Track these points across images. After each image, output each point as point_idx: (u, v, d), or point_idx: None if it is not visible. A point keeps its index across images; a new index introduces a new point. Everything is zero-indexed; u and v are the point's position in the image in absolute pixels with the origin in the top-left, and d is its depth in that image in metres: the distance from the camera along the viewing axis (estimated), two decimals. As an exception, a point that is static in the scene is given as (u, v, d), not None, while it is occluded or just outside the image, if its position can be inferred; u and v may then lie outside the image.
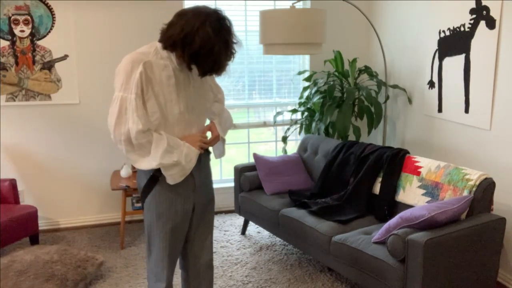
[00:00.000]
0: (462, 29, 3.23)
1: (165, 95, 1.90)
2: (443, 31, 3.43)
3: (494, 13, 2.94)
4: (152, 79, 1.88)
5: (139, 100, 1.85)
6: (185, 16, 1.83)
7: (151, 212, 2.04)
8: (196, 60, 1.84)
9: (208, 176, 2.20)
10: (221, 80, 4.30)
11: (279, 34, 3.32)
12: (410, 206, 2.94)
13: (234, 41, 1.89)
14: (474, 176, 2.66)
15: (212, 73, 1.90)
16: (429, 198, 2.84)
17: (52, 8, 3.69)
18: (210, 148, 2.20)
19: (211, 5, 4.34)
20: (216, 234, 3.88)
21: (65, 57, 3.79)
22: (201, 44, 1.79)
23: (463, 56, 3.24)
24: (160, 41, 1.91)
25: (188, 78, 1.99)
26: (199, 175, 2.10)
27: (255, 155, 3.69)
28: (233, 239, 3.77)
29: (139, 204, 3.68)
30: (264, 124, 4.51)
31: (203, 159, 2.13)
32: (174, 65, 1.92)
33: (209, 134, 2.15)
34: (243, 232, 3.88)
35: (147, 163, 1.90)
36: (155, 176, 1.99)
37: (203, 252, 2.25)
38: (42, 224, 3.94)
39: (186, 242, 2.21)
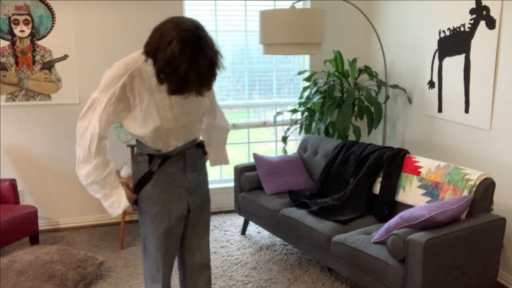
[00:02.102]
0: (462, 29, 3.23)
1: (156, 100, 1.87)
2: (443, 31, 3.43)
3: (494, 13, 2.94)
4: (141, 86, 1.86)
5: (110, 105, 1.85)
6: (160, 29, 1.74)
7: (145, 213, 2.04)
8: (163, 77, 1.73)
9: (203, 177, 2.19)
10: (221, 80, 4.30)
11: (279, 34, 3.32)
12: (410, 206, 2.94)
13: (216, 61, 1.76)
14: (474, 176, 2.66)
15: (180, 93, 1.76)
16: (429, 198, 2.84)
17: (52, 8, 3.69)
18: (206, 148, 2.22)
19: (211, 5, 4.33)
20: (216, 234, 3.88)
21: (65, 57, 3.79)
22: (165, 63, 1.68)
23: (463, 56, 3.24)
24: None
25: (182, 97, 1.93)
26: (193, 176, 2.09)
27: (255, 155, 3.69)
28: (233, 239, 3.77)
29: (139, 204, 3.68)
30: (264, 124, 4.51)
31: (198, 160, 2.12)
32: None
33: None
34: (243, 232, 3.88)
35: (80, 170, 1.93)
36: (148, 177, 1.99)
37: (199, 252, 2.24)
38: (42, 224, 3.94)
39: (183, 243, 2.20)
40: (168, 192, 2.01)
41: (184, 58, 1.66)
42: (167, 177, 2.00)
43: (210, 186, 4.56)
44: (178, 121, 1.94)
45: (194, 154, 2.08)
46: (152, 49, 1.73)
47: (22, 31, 3.65)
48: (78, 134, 1.92)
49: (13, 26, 3.62)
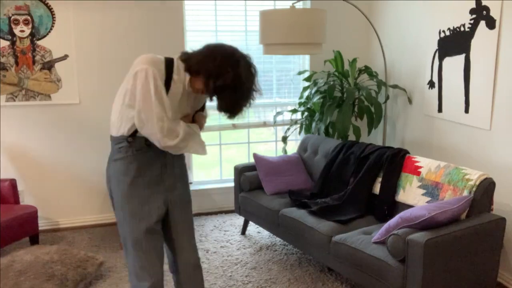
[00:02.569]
0: (462, 29, 3.23)
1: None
2: (443, 31, 3.43)
3: (494, 13, 2.94)
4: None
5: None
6: (220, 49, 1.90)
7: (123, 210, 2.03)
8: (220, 94, 1.89)
9: (182, 176, 2.19)
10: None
11: (279, 34, 3.32)
12: (410, 206, 2.94)
13: (255, 89, 1.96)
14: (474, 176, 2.66)
15: (229, 112, 1.96)
16: (429, 198, 2.84)
17: (52, 8, 3.69)
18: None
19: (211, 5, 4.34)
20: (216, 234, 3.88)
21: (65, 57, 3.79)
22: (233, 80, 1.85)
23: (463, 56, 3.24)
24: (185, 62, 1.94)
25: (188, 101, 2.05)
26: (171, 173, 2.10)
27: (255, 155, 3.69)
28: (233, 239, 3.77)
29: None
30: (264, 124, 4.51)
31: (175, 158, 2.12)
32: (184, 88, 1.98)
33: None
34: (243, 232, 3.88)
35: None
36: (120, 165, 2.00)
37: (189, 253, 2.25)
38: (42, 224, 3.94)
39: (170, 246, 2.21)
40: (145, 189, 2.03)
41: (247, 81, 1.88)
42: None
43: (210, 186, 4.57)
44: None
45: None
46: (216, 66, 1.85)
47: (22, 31, 3.65)
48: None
49: (13, 26, 3.62)
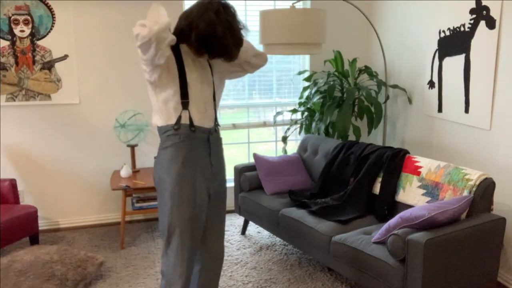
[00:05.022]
0: (462, 29, 3.23)
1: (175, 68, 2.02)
2: (443, 31, 3.43)
3: (494, 13, 2.94)
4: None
5: None
6: (189, 9, 2.00)
7: (172, 198, 2.02)
8: (204, 45, 1.95)
9: (222, 167, 2.22)
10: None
11: (279, 34, 3.32)
12: (410, 206, 2.94)
13: (240, 26, 1.99)
14: (474, 176, 2.66)
15: (222, 57, 1.99)
16: (429, 198, 2.84)
17: (52, 8, 3.69)
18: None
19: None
20: (216, 234, 3.88)
21: (65, 57, 3.79)
22: (205, 27, 1.90)
23: (463, 56, 3.24)
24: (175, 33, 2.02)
25: (206, 75, 2.12)
26: (214, 163, 2.13)
27: (255, 155, 3.69)
28: (233, 239, 3.77)
29: (139, 204, 3.68)
30: (264, 124, 4.51)
31: (218, 149, 2.17)
32: (191, 55, 2.07)
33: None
34: (243, 232, 3.88)
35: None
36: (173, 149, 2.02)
37: (215, 245, 2.26)
38: (42, 224, 3.94)
39: (203, 234, 2.19)
40: (193, 177, 2.04)
41: (220, 21, 1.91)
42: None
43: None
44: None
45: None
46: (187, 24, 1.96)
47: (22, 31, 3.65)
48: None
49: (13, 26, 3.62)
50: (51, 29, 3.71)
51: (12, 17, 3.61)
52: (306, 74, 4.44)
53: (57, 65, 3.78)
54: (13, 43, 3.65)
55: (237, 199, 3.76)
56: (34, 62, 3.71)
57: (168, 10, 3.94)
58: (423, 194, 2.88)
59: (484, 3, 3.01)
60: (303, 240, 3.05)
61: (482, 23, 3.04)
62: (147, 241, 3.74)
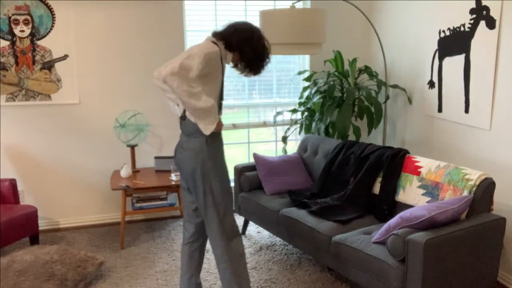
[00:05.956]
0: (462, 29, 3.23)
1: (217, 79, 2.38)
2: (443, 31, 3.43)
3: (494, 13, 2.94)
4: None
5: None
6: (249, 25, 2.43)
7: (228, 182, 2.49)
8: (252, 62, 2.44)
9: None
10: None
11: (279, 34, 3.32)
12: (410, 206, 2.94)
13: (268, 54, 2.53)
14: (474, 176, 2.66)
15: (252, 71, 2.48)
16: (429, 198, 2.84)
17: (52, 8, 3.69)
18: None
19: (211, 5, 4.33)
20: (216, 234, 3.88)
21: (65, 57, 3.79)
22: (262, 48, 2.43)
23: (463, 56, 3.24)
24: (223, 40, 2.39)
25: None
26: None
27: (255, 155, 3.69)
28: (233, 239, 3.77)
29: (139, 204, 3.68)
30: (264, 124, 4.51)
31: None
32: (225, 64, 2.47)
33: None
34: (243, 232, 3.87)
35: (198, 96, 2.27)
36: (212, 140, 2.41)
37: None
38: (42, 224, 3.94)
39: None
40: (223, 159, 2.53)
41: (267, 52, 2.48)
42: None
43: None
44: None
45: None
46: (239, 43, 2.39)
47: (22, 31, 3.65)
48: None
49: (13, 26, 3.62)
50: (51, 29, 3.71)
51: (12, 17, 3.61)
52: (306, 74, 4.44)
53: (57, 65, 3.78)
54: (13, 43, 3.65)
55: (237, 199, 3.76)
56: (34, 62, 3.71)
57: (168, 10, 3.96)
58: (423, 194, 2.88)
59: (484, 3, 3.01)
60: (303, 240, 3.05)
61: (482, 23, 3.04)
62: (147, 241, 3.74)
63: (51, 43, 3.73)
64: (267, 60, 2.49)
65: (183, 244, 2.66)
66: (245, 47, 2.38)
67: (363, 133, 4.49)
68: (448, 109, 3.44)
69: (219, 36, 2.40)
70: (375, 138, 4.47)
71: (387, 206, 3.04)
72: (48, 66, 3.75)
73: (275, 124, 4.48)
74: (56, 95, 3.81)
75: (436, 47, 3.52)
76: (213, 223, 2.45)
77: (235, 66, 2.49)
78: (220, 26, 2.48)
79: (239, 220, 4.15)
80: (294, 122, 4.27)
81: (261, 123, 4.50)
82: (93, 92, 3.90)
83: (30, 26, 3.66)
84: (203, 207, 2.45)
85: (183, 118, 2.44)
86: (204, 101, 2.23)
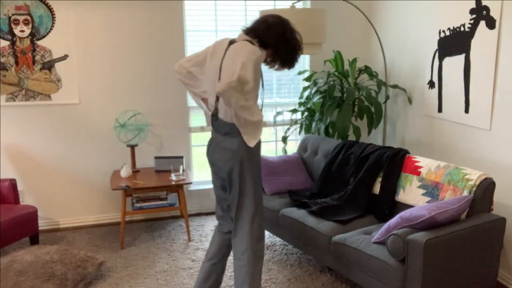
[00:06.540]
0: (462, 29, 3.23)
1: (259, 82, 2.33)
2: (443, 31, 3.43)
3: (494, 13, 2.94)
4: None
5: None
6: (275, 19, 2.36)
7: (255, 181, 2.39)
8: (287, 55, 2.37)
9: None
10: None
11: (279, 34, 3.31)
12: (410, 206, 2.94)
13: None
14: (474, 176, 2.66)
15: (286, 65, 2.43)
16: (429, 198, 2.84)
17: (52, 8, 3.69)
18: None
19: (211, 5, 4.32)
20: (216, 234, 3.88)
21: (65, 57, 3.79)
22: (295, 41, 2.36)
23: (463, 56, 3.24)
24: (258, 38, 2.32)
25: None
26: None
27: (255, 155, 3.69)
28: (233, 239, 3.77)
29: (139, 204, 3.68)
30: (264, 124, 4.51)
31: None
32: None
33: None
34: (243, 232, 3.87)
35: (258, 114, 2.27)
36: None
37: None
38: (42, 224, 3.94)
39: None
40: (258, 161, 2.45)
41: (299, 44, 2.41)
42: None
43: (211, 186, 4.57)
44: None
45: None
46: (274, 41, 2.33)
47: (22, 31, 3.65)
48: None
49: (13, 26, 3.62)
50: (51, 29, 3.71)
51: (12, 17, 3.61)
52: (306, 74, 4.44)
53: (57, 65, 3.78)
54: (13, 43, 3.65)
55: (237, 199, 3.76)
56: (34, 62, 3.71)
57: (168, 10, 3.95)
58: (423, 194, 2.88)
59: (484, 3, 3.01)
60: (303, 240, 3.05)
61: (482, 23, 3.04)
62: (147, 241, 3.74)
63: (51, 43, 3.73)
64: (300, 52, 2.41)
65: (218, 231, 2.66)
66: (279, 43, 2.32)
67: (363, 133, 4.49)
68: (448, 109, 3.44)
69: (252, 34, 2.33)
70: (375, 138, 4.48)
71: (387, 206, 3.04)
72: (48, 66, 3.75)
73: (275, 124, 4.48)
74: (56, 95, 3.81)
75: (436, 47, 3.52)
76: (244, 224, 2.42)
77: (267, 62, 2.42)
78: (250, 21, 2.42)
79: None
80: (294, 122, 4.27)
81: (261, 123, 4.49)
82: (93, 92, 3.90)
83: (30, 26, 3.66)
84: (236, 207, 2.41)
85: (215, 117, 2.39)
86: (257, 115, 2.20)
